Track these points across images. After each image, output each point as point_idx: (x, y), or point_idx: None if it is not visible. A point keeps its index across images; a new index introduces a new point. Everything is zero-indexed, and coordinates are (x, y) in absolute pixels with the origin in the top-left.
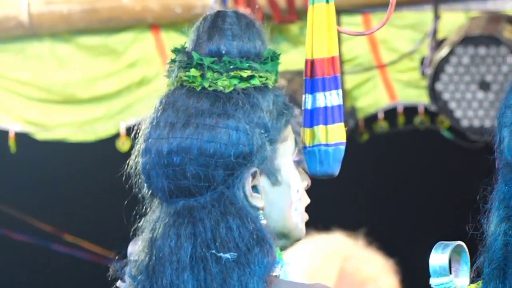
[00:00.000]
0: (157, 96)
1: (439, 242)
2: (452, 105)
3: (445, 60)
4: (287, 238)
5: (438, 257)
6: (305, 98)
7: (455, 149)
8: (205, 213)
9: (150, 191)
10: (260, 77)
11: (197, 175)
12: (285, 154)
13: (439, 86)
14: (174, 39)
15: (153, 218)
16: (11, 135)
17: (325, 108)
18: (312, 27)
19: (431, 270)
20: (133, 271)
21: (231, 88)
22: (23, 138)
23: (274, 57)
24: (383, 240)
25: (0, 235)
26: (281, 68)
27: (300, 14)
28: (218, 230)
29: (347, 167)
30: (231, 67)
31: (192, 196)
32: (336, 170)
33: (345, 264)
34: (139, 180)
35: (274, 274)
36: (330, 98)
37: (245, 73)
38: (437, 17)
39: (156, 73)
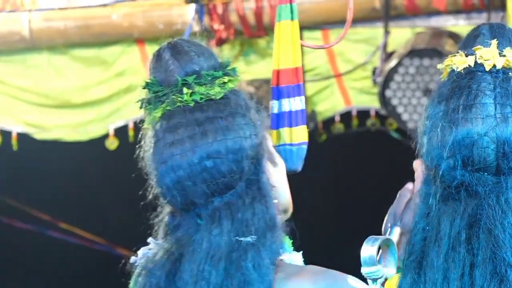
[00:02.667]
0: (148, 123)
1: (370, 236)
2: (400, 109)
3: (394, 70)
4: (286, 212)
5: (368, 249)
6: (272, 104)
7: (401, 147)
8: (241, 203)
9: (182, 204)
10: (232, 81)
11: (231, 170)
12: (269, 139)
13: (388, 93)
14: None
15: (183, 224)
16: (14, 135)
17: (290, 112)
18: (278, 41)
19: (362, 260)
20: (145, 264)
21: (222, 94)
22: (24, 138)
23: (230, 64)
24: (340, 231)
25: (4, 224)
26: (250, 77)
27: (267, 30)
28: (246, 213)
29: (307, 163)
30: (211, 78)
31: (229, 190)
32: (299, 166)
33: None
34: (165, 197)
35: (281, 258)
36: (294, 104)
37: (225, 79)
38: (387, 32)
39: (141, 81)
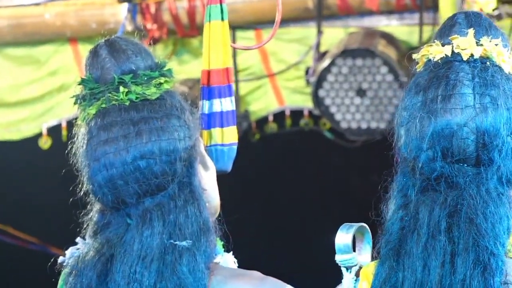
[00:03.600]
0: (82, 119)
1: (345, 224)
2: (333, 109)
3: (327, 70)
4: (214, 215)
5: (343, 236)
6: (203, 103)
7: (335, 147)
8: (172, 205)
9: (113, 202)
10: (168, 82)
11: (164, 171)
12: (202, 142)
13: (321, 92)
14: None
15: (114, 223)
16: None
17: (221, 113)
18: (208, 42)
19: (336, 247)
20: (74, 264)
21: (158, 94)
22: None
23: (166, 65)
24: (271, 231)
25: None
26: (183, 76)
27: (200, 30)
28: (180, 216)
29: (241, 162)
30: (148, 78)
31: (161, 191)
32: (229, 166)
33: None
34: (96, 195)
35: (215, 261)
36: (225, 104)
37: (162, 80)
38: (320, 32)
39: (74, 80)
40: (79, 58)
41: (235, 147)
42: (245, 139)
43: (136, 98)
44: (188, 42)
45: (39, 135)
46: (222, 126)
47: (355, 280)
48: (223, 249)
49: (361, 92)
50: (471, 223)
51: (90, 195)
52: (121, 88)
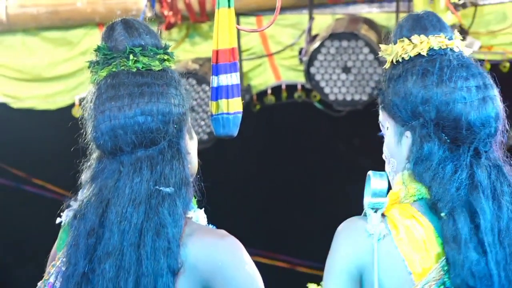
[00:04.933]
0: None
1: (372, 171)
2: (322, 83)
3: (317, 50)
4: (192, 176)
5: (379, 182)
6: (212, 79)
7: (324, 116)
8: (161, 158)
9: (111, 148)
10: (170, 60)
11: (159, 128)
12: (189, 117)
13: (312, 69)
14: None
15: (108, 170)
16: None
17: (227, 86)
18: (217, 26)
19: (372, 192)
20: (78, 213)
21: (160, 67)
22: (2, 106)
23: (169, 48)
24: (270, 189)
25: None
26: (194, 55)
27: (209, 16)
28: (166, 168)
29: (244, 129)
30: (154, 53)
31: (153, 145)
32: (235, 132)
33: None
34: (97, 142)
35: (188, 216)
36: (231, 79)
37: (165, 57)
38: (311, 18)
39: None
40: None
41: (240, 115)
42: (247, 109)
43: (142, 67)
44: (199, 27)
45: (72, 105)
46: (228, 97)
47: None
48: (196, 205)
49: (346, 69)
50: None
51: (91, 143)
52: (131, 57)
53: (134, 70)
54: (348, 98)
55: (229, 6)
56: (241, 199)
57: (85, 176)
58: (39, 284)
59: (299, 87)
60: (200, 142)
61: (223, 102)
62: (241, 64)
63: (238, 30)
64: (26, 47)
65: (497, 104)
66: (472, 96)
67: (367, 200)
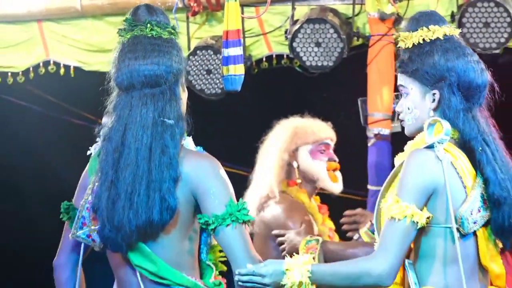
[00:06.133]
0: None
1: (438, 118)
2: (301, 54)
3: (298, 31)
4: None
5: (446, 124)
6: (223, 50)
7: (302, 76)
8: (161, 96)
9: (127, 85)
10: (175, 34)
11: (162, 75)
12: (183, 77)
13: (294, 44)
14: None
15: (124, 102)
16: (72, 68)
17: (234, 56)
18: (227, 13)
19: (445, 131)
20: (106, 137)
21: (168, 36)
22: (78, 69)
23: (176, 28)
24: (262, 127)
25: (63, 119)
26: (211, 34)
27: (222, 6)
28: (166, 106)
29: (245, 86)
30: (164, 27)
31: (156, 86)
32: (239, 88)
33: None
34: (117, 80)
35: (182, 143)
36: (236, 51)
37: (172, 30)
38: (293, 8)
39: None
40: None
41: (242, 76)
42: (248, 72)
43: (156, 34)
44: (215, 14)
45: None
46: (234, 63)
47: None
48: (186, 134)
49: (318, 44)
50: None
51: (113, 84)
52: (148, 26)
53: (149, 35)
54: (319, 64)
55: (235, 0)
56: (238, 130)
57: (107, 108)
58: (81, 202)
59: (285, 56)
60: (215, 94)
61: (231, 67)
62: (244, 40)
63: (241, 17)
64: (94, 28)
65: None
66: (477, 67)
67: (431, 139)
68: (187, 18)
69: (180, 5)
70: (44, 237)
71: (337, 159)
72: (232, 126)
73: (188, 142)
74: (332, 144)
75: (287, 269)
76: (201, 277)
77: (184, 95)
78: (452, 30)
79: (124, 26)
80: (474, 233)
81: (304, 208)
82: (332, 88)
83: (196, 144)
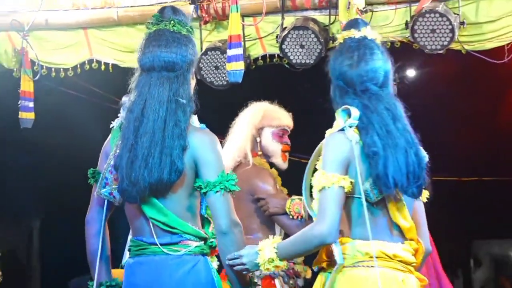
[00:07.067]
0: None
1: (348, 106)
2: (289, 54)
3: (286, 36)
4: None
5: (355, 111)
6: (228, 51)
7: (290, 71)
8: (176, 80)
9: (148, 66)
10: (191, 32)
11: (178, 63)
12: (193, 70)
13: (283, 46)
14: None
15: (144, 81)
16: (110, 65)
17: (236, 55)
18: (231, 22)
19: (353, 116)
20: (128, 109)
21: (186, 33)
22: (115, 66)
23: (193, 30)
24: None
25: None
26: (219, 38)
27: (227, 16)
28: (180, 88)
29: (245, 79)
30: (184, 25)
31: (172, 71)
32: (240, 80)
33: None
34: (141, 62)
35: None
36: (238, 51)
37: (190, 29)
38: (283, 18)
39: None
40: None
41: (243, 71)
42: (247, 68)
43: (177, 29)
44: (222, 22)
45: None
46: (236, 61)
47: None
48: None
49: (302, 46)
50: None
51: (137, 66)
52: (172, 22)
53: (171, 30)
54: (303, 61)
55: (237, 11)
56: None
57: (131, 86)
58: (104, 166)
59: (276, 55)
60: (222, 85)
61: (233, 63)
62: (244, 43)
63: (241, 25)
64: (128, 33)
65: None
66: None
67: (343, 123)
68: (200, 26)
69: (194, 16)
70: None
71: (289, 143)
72: (235, 109)
73: (194, 119)
74: (289, 130)
75: (259, 250)
76: (202, 227)
77: (193, 82)
78: (352, 33)
79: (151, 20)
80: (383, 198)
81: (270, 172)
82: (313, 80)
83: (207, 121)
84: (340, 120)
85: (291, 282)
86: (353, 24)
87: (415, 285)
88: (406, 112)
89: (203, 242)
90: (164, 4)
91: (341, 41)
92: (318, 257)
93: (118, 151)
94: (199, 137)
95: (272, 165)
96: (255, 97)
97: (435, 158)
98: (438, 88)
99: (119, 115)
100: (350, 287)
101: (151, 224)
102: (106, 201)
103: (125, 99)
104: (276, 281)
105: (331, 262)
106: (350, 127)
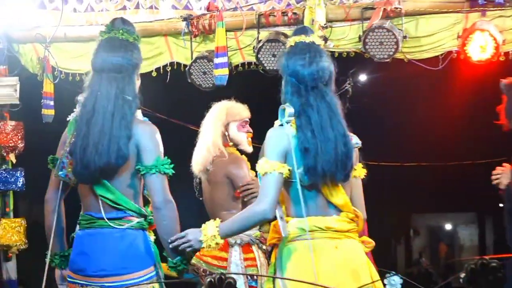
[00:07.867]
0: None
1: (285, 105)
2: (264, 62)
3: (261, 47)
4: None
5: (290, 109)
6: (214, 60)
7: (264, 76)
8: (122, 80)
9: (99, 68)
10: (138, 40)
11: (124, 65)
12: (139, 67)
13: (259, 55)
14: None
15: (96, 80)
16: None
17: (221, 63)
18: (217, 36)
19: (288, 113)
20: (82, 104)
21: (132, 41)
22: None
23: (139, 39)
24: None
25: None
26: (207, 49)
27: (214, 31)
28: (126, 87)
29: (228, 83)
30: (131, 33)
31: (119, 72)
32: (224, 83)
33: None
34: (94, 66)
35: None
36: (223, 60)
37: (136, 37)
38: (258, 33)
39: (161, 51)
40: (168, 42)
41: (227, 76)
42: (230, 73)
43: (125, 37)
44: (209, 36)
45: (151, 71)
46: (222, 67)
47: None
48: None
49: (274, 55)
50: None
51: (91, 69)
52: (120, 31)
53: (120, 38)
54: (275, 68)
55: (223, 27)
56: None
57: (85, 84)
58: (61, 152)
59: (253, 63)
60: (209, 87)
61: (219, 70)
62: (228, 53)
63: (226, 38)
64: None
65: None
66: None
67: (282, 120)
68: (191, 38)
69: (186, 30)
70: None
71: (251, 130)
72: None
73: (138, 113)
74: (248, 120)
75: (203, 228)
76: (144, 206)
77: (138, 82)
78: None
79: (104, 29)
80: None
81: (243, 158)
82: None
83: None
84: (280, 117)
85: (263, 247)
86: (302, 31)
87: (352, 247)
88: (353, 107)
89: (143, 218)
90: (161, 21)
91: (292, 44)
92: (269, 236)
93: (73, 139)
94: (141, 128)
95: (241, 151)
96: (236, 97)
97: (381, 147)
98: (385, 90)
99: (74, 110)
100: (290, 258)
101: (100, 201)
102: (61, 182)
103: (80, 97)
104: (254, 247)
105: (280, 238)
106: (287, 123)
